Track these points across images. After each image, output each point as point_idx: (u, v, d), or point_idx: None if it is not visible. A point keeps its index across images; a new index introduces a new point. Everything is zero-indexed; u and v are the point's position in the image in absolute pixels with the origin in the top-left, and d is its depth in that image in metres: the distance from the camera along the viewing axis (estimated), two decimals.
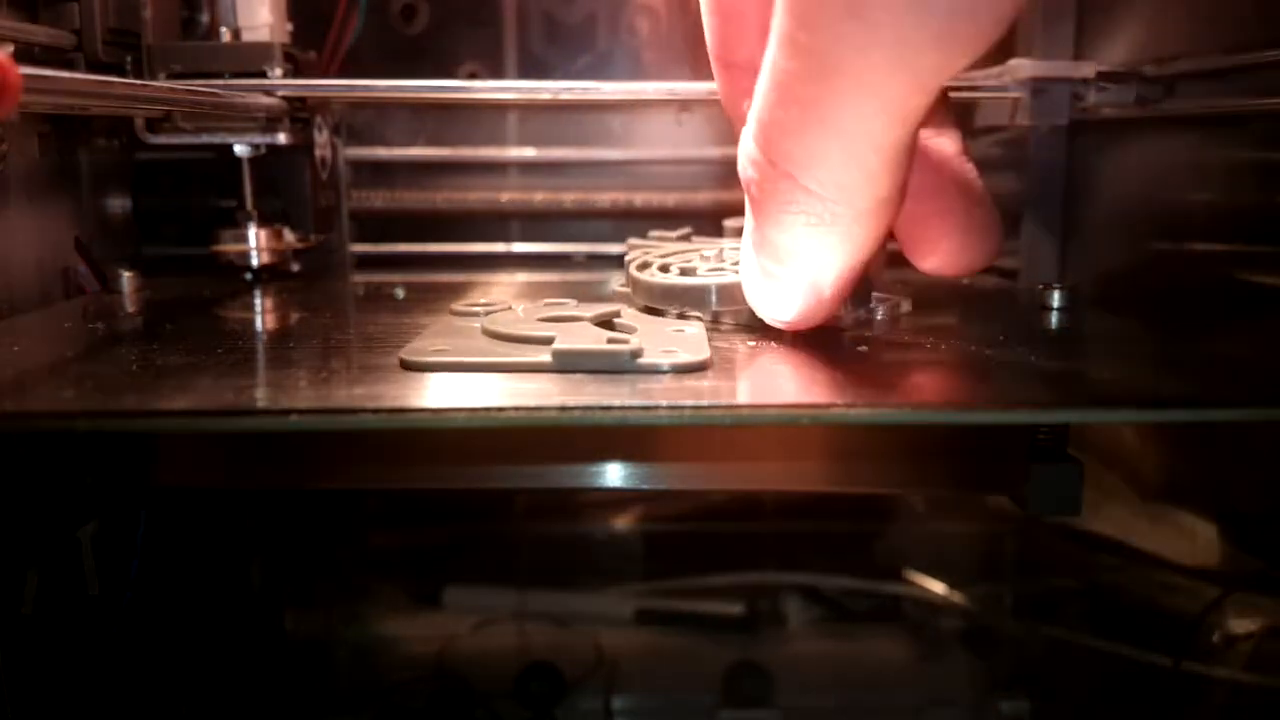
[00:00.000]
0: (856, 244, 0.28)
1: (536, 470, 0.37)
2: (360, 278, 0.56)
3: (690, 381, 0.29)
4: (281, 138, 0.49)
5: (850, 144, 0.25)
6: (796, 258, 0.28)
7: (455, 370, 0.30)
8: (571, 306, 0.37)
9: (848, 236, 0.27)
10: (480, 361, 0.30)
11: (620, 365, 0.29)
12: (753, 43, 0.29)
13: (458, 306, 0.39)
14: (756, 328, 0.34)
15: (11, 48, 0.39)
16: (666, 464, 0.37)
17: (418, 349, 0.31)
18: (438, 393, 0.28)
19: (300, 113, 0.50)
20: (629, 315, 0.36)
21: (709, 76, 0.35)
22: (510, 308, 0.38)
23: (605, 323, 0.34)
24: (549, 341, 0.30)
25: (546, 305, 0.37)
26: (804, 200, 0.27)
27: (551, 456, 0.37)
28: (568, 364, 0.29)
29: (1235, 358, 0.32)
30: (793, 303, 0.30)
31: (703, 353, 0.30)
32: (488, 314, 0.37)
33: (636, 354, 0.29)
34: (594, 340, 0.31)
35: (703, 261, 0.39)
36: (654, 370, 0.29)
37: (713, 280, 0.36)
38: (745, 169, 0.28)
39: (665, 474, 0.37)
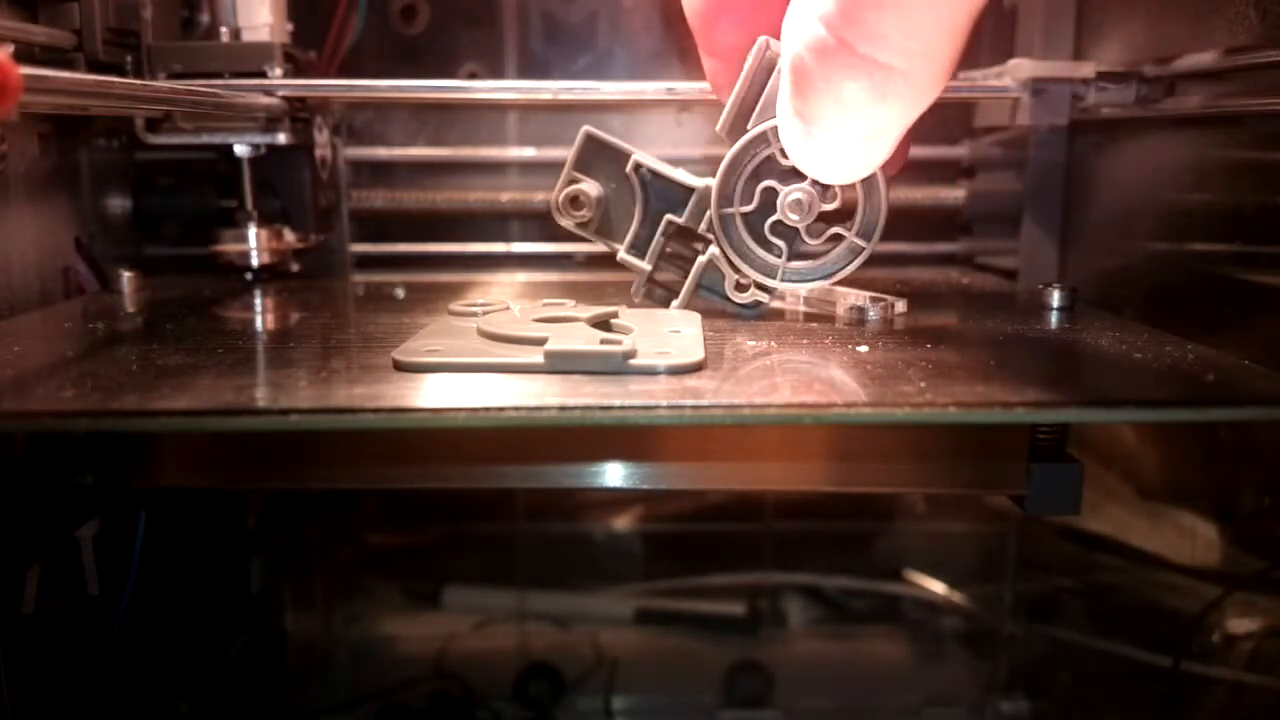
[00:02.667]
0: (919, 107, 0.28)
1: (536, 470, 0.37)
2: (360, 278, 0.56)
3: (690, 381, 0.29)
4: (281, 138, 0.49)
5: (943, 10, 0.25)
6: (858, 128, 0.29)
7: (448, 371, 0.29)
8: (569, 307, 0.37)
9: (913, 103, 0.28)
10: (473, 362, 0.30)
11: (613, 366, 0.29)
12: None
13: (455, 306, 0.39)
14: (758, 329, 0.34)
15: (11, 48, 0.39)
16: (666, 464, 0.37)
17: (411, 349, 0.31)
18: (437, 392, 0.28)
19: (300, 113, 0.50)
20: (627, 316, 0.36)
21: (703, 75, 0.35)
22: (508, 308, 0.38)
23: (602, 323, 0.34)
24: (543, 342, 0.30)
25: (544, 305, 0.37)
26: (876, 75, 0.27)
27: (551, 456, 0.37)
28: (560, 365, 0.29)
29: (1235, 358, 0.32)
30: (849, 165, 0.31)
31: (697, 354, 0.30)
32: (485, 314, 0.37)
33: (629, 355, 0.29)
34: (587, 341, 0.30)
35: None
36: (648, 371, 0.29)
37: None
38: (802, 50, 0.28)
39: (665, 474, 0.37)
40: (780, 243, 0.36)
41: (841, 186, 0.35)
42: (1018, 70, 0.49)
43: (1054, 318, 0.40)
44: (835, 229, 0.36)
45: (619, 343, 0.30)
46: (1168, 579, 0.49)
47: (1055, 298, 0.41)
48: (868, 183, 0.35)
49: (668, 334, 0.33)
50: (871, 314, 0.38)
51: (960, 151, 0.60)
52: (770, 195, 0.36)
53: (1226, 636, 0.44)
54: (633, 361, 0.29)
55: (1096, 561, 0.56)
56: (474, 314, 0.37)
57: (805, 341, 0.35)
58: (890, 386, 0.28)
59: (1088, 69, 0.48)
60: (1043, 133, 0.52)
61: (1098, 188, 0.51)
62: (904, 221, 0.60)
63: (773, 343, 0.34)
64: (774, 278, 0.37)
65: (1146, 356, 0.32)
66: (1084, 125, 0.51)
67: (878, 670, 0.68)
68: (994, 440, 0.35)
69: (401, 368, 0.30)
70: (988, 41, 0.58)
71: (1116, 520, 0.52)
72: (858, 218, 0.36)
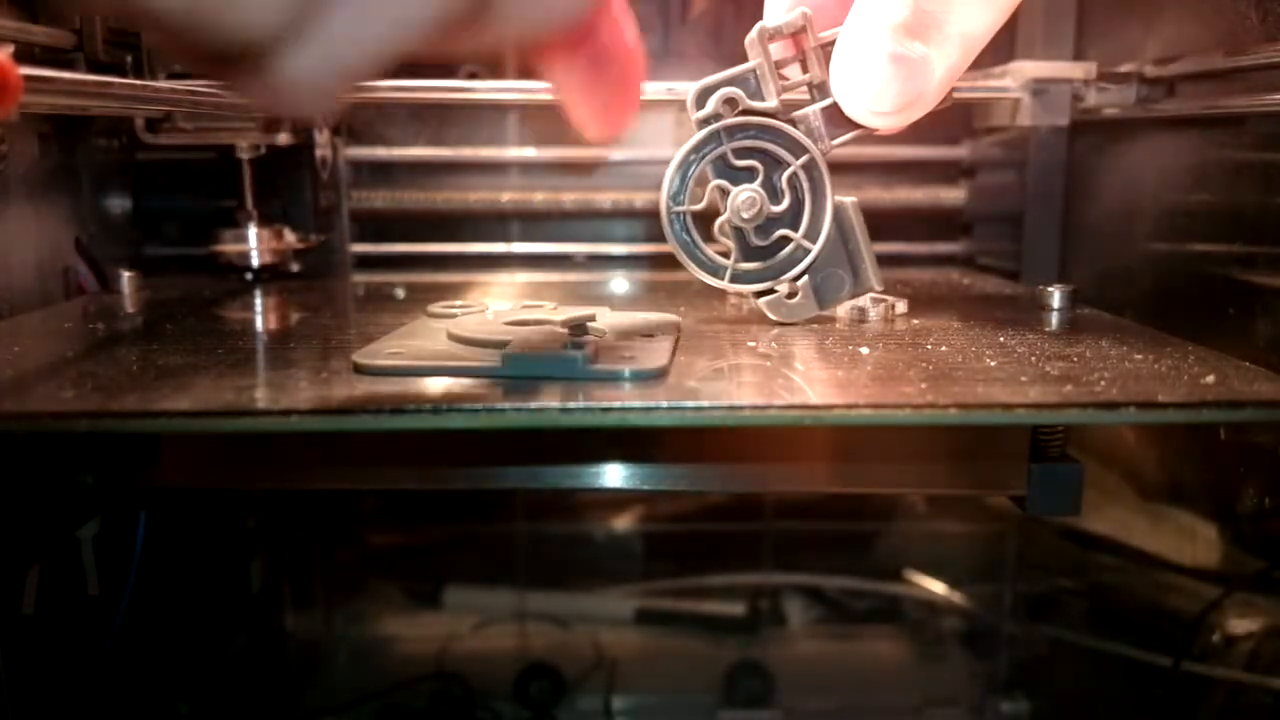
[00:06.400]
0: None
1: (536, 470, 0.37)
2: (360, 278, 0.56)
3: (692, 382, 0.29)
4: (281, 138, 0.49)
5: None
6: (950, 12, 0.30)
7: (407, 374, 0.29)
8: (547, 309, 0.36)
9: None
10: (432, 365, 0.29)
11: (572, 372, 0.28)
12: None
13: (434, 308, 0.38)
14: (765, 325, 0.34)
15: (11, 48, 0.39)
16: (666, 464, 0.37)
17: (373, 352, 0.31)
18: (436, 393, 0.28)
19: None
20: (605, 319, 0.35)
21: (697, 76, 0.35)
22: (484, 309, 0.37)
23: (577, 327, 0.34)
24: (505, 345, 0.30)
25: (523, 308, 0.37)
26: None
27: (550, 457, 0.37)
28: (518, 369, 0.29)
29: (1235, 358, 0.32)
30: (918, 79, 0.31)
31: (660, 361, 0.30)
32: (464, 315, 0.36)
33: (590, 359, 0.29)
34: (550, 345, 0.30)
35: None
36: (609, 377, 0.29)
37: None
38: None
39: (665, 475, 0.37)
40: (729, 243, 0.37)
41: (789, 188, 0.35)
42: (1018, 71, 0.49)
43: (1054, 318, 0.40)
44: (783, 230, 0.36)
45: (581, 347, 0.29)
46: (1168, 579, 0.49)
47: (1055, 298, 0.41)
48: (814, 185, 0.35)
49: (639, 340, 0.33)
50: (872, 314, 0.38)
51: (960, 151, 0.60)
52: (720, 194, 0.36)
53: (1226, 636, 0.44)
54: (593, 366, 0.29)
55: (1096, 561, 0.56)
56: (452, 315, 0.37)
57: (805, 341, 0.35)
58: (891, 387, 0.28)
59: (1088, 69, 0.48)
60: (1043, 133, 0.52)
61: (1098, 188, 0.51)
62: (904, 221, 0.60)
63: (773, 343, 0.34)
64: (721, 278, 0.36)
65: (1146, 357, 0.32)
66: (1084, 126, 0.51)
67: (878, 670, 0.68)
68: (994, 441, 0.35)
69: (362, 371, 0.29)
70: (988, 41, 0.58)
71: (1116, 520, 0.52)
72: (804, 219, 0.36)
